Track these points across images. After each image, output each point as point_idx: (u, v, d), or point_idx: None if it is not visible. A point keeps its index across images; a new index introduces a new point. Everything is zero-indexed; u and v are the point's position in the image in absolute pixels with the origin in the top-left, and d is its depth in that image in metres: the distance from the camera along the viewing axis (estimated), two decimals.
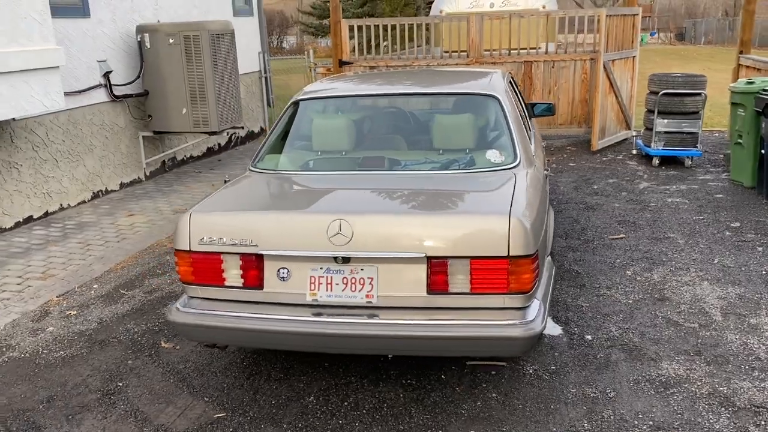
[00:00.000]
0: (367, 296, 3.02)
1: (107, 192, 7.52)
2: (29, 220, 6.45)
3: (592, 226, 5.91)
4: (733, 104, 7.04)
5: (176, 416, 3.29)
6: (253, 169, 3.89)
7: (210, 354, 3.87)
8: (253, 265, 3.11)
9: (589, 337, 3.90)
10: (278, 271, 3.10)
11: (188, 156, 9.07)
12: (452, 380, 3.49)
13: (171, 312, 3.22)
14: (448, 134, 3.84)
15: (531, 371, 3.55)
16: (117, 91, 7.52)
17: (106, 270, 5.32)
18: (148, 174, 8.19)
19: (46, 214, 6.66)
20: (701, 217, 5.99)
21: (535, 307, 2.99)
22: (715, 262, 4.93)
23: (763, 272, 4.71)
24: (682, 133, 7.91)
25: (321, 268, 3.06)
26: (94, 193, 7.31)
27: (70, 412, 3.37)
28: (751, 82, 6.77)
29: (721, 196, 6.66)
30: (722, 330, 3.91)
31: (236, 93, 8.27)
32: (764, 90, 6.39)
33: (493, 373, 3.55)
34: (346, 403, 3.34)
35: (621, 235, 5.62)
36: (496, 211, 2.95)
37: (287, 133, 4.12)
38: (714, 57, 26.44)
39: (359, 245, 2.97)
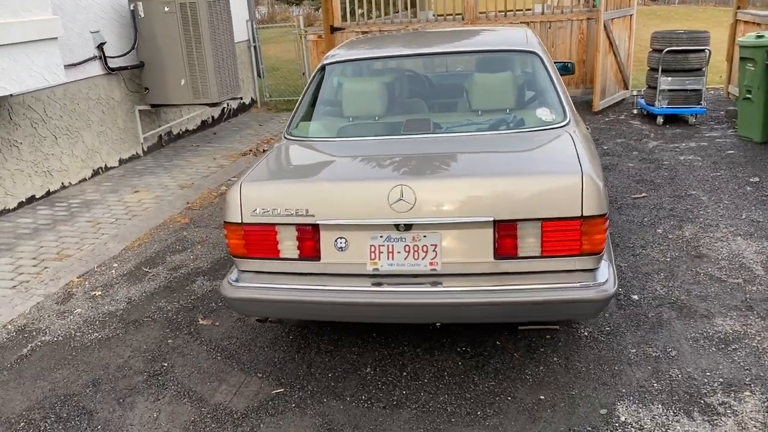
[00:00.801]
0: (430, 264, 2.92)
1: (107, 169, 7.28)
2: (32, 200, 6.22)
3: (611, 186, 5.86)
4: (742, 59, 6.98)
5: (232, 394, 3.18)
6: (289, 137, 3.73)
7: (253, 329, 3.76)
8: (310, 236, 2.99)
9: (636, 297, 3.86)
10: (336, 241, 2.98)
11: (184, 130, 8.82)
12: (508, 346, 3.43)
13: (224, 287, 3.10)
14: (490, 93, 3.70)
15: (586, 333, 3.50)
16: (111, 64, 7.23)
17: (122, 248, 5.15)
18: (145, 149, 7.95)
19: (48, 193, 6.42)
20: (718, 174, 5.97)
21: (605, 268, 2.92)
22: (744, 217, 4.92)
23: None
24: (686, 90, 7.87)
25: (381, 237, 2.95)
26: (94, 170, 7.07)
27: (119, 395, 3.25)
28: (761, 36, 6.70)
29: (732, 152, 6.64)
30: None
31: (233, 62, 8.03)
32: None
33: (548, 337, 3.49)
34: (404, 373, 3.26)
35: (643, 194, 5.58)
36: (568, 170, 2.84)
37: (322, 99, 3.94)
38: (692, 16, 26.39)
39: (422, 211, 2.86)
